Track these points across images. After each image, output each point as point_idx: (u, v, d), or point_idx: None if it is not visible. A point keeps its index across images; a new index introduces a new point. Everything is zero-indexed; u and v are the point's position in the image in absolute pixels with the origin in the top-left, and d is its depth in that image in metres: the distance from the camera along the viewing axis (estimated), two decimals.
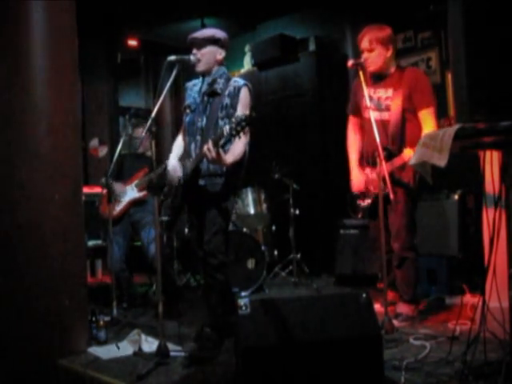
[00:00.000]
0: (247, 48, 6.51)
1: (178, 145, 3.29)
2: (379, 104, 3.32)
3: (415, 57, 5.40)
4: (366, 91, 3.18)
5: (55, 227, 3.01)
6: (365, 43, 3.29)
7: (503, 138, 2.04)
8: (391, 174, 3.15)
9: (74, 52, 3.21)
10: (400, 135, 3.14)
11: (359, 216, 3.49)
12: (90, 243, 4.85)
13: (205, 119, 3.07)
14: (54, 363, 2.94)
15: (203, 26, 6.28)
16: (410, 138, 3.23)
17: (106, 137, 6.57)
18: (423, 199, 4.41)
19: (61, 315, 3.00)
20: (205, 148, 2.76)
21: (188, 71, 3.18)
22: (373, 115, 3.15)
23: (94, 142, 6.17)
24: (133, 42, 6.88)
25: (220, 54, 3.11)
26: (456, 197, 4.26)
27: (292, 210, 5.07)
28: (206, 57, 3.07)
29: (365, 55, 3.29)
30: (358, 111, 3.51)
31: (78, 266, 3.15)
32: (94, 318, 3.24)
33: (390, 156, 3.18)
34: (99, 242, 5.06)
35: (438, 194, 4.36)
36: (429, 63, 5.32)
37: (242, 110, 2.97)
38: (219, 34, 3.11)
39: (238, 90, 3.01)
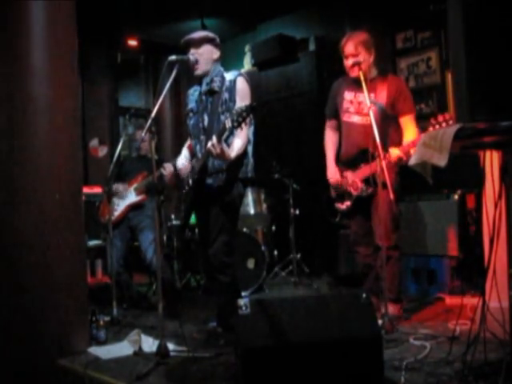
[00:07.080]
0: (247, 48, 6.51)
1: (187, 148, 3.30)
2: (360, 108, 3.38)
3: (415, 57, 5.39)
4: (366, 92, 3.18)
5: (55, 227, 3.01)
6: (349, 48, 3.31)
7: (503, 137, 2.04)
8: (374, 176, 3.20)
9: (74, 52, 3.21)
10: (382, 139, 3.13)
11: (337, 219, 3.60)
12: (90, 243, 4.85)
13: (207, 118, 3.08)
14: (54, 363, 2.94)
15: (203, 26, 6.28)
16: (392, 141, 3.30)
17: (106, 137, 6.56)
18: (423, 199, 4.41)
19: (61, 315, 3.00)
20: (209, 144, 2.76)
21: (188, 72, 3.18)
22: (354, 119, 3.35)
23: (94, 142, 6.16)
24: (133, 42, 6.88)
25: (215, 53, 3.14)
26: (456, 197, 4.26)
27: (292, 210, 5.08)
28: (204, 56, 3.08)
29: (350, 61, 3.31)
30: (337, 114, 3.56)
31: (78, 266, 3.15)
32: (94, 318, 3.24)
33: (372, 158, 3.19)
34: (99, 241, 5.05)
35: (437, 194, 4.36)
36: (429, 63, 5.31)
37: (241, 100, 2.96)
38: (212, 34, 3.15)
39: (233, 82, 3.02)
